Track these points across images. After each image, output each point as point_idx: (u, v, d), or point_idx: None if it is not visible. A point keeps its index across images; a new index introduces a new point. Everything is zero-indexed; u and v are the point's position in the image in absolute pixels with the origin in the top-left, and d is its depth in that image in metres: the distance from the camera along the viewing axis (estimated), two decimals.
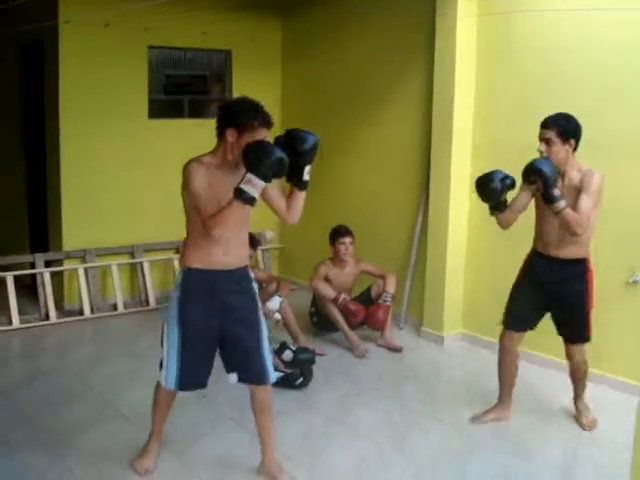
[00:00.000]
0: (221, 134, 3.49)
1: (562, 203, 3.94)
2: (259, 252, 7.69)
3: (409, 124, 6.53)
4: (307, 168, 3.55)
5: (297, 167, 3.52)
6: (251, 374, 3.74)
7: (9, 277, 6.59)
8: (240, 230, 3.57)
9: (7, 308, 6.49)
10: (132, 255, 7.28)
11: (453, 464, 4.07)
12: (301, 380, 5.07)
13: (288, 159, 3.35)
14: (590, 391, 4.63)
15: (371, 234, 6.78)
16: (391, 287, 6.03)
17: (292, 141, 3.49)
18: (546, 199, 3.98)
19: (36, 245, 7.41)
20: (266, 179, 3.30)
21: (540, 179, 3.94)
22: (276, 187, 3.64)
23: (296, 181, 3.59)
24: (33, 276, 6.91)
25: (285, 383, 5.05)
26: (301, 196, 3.64)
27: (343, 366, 5.65)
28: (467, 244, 6.11)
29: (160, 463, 3.96)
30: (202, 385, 3.77)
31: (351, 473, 3.93)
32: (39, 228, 7.46)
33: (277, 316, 5.69)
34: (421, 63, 6.35)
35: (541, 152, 4.08)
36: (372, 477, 3.92)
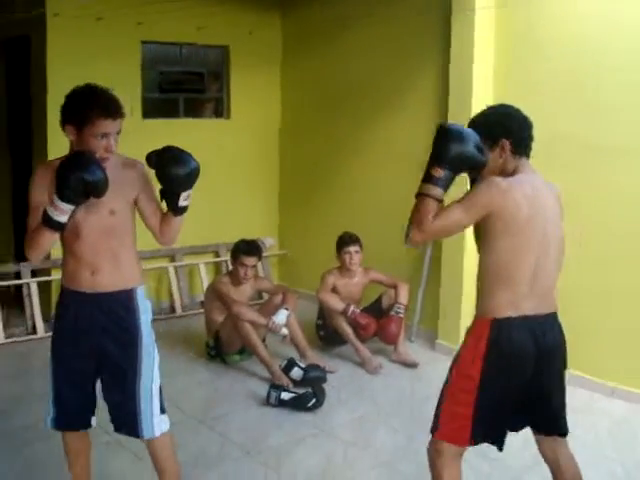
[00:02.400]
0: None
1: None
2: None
3: (421, 124, 6.13)
4: (185, 194, 2.97)
5: (170, 193, 2.96)
6: (121, 424, 3.13)
7: None
8: (108, 241, 2.99)
9: None
10: None
11: None
12: (314, 401, 4.67)
13: (102, 177, 2.73)
14: None
15: (381, 240, 6.39)
16: (404, 297, 5.64)
17: (165, 163, 2.91)
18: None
19: (22, 254, 6.98)
20: (71, 202, 2.73)
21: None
22: (150, 202, 3.08)
23: (170, 206, 3.01)
24: (19, 287, 6.48)
25: (297, 404, 4.67)
26: (177, 221, 3.06)
27: (356, 384, 5.26)
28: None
29: None
30: (82, 426, 3.22)
31: None
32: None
33: (284, 331, 5.27)
34: (435, 58, 5.99)
35: None
36: None
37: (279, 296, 5.56)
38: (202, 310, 5.93)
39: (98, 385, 3.16)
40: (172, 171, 2.88)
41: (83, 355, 3.05)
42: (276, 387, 4.83)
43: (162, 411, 3.12)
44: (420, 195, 2.73)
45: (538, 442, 2.98)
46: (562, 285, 2.94)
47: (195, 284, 7.28)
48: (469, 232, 5.54)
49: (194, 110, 7.39)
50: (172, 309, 7.00)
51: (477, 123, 2.84)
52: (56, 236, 2.88)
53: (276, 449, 4.14)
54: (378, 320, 5.61)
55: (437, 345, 5.92)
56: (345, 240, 5.78)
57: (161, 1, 6.22)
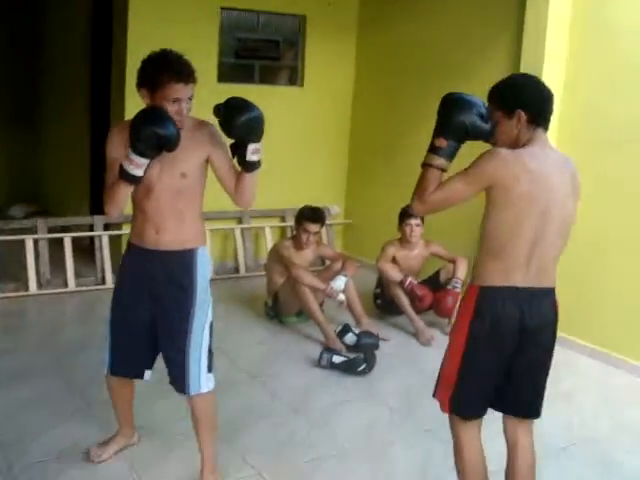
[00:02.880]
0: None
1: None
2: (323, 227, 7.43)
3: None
4: (252, 147, 3.02)
5: (238, 144, 3.03)
6: (172, 377, 3.27)
7: (66, 238, 6.45)
8: (176, 203, 3.10)
9: (64, 270, 6.37)
10: None
11: None
12: (364, 366, 4.79)
13: (174, 132, 2.87)
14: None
15: (443, 214, 6.41)
16: (462, 272, 5.69)
17: (228, 111, 2.99)
18: None
19: (97, 207, 7.25)
20: (144, 155, 2.88)
21: None
22: (222, 162, 3.16)
23: (240, 161, 3.08)
24: (92, 239, 6.77)
25: (347, 368, 4.80)
26: (250, 178, 3.12)
27: (408, 353, 5.37)
28: None
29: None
30: (134, 375, 3.40)
31: (416, 474, 3.65)
32: (101, 190, 7.29)
33: (341, 297, 5.40)
34: (508, 35, 5.97)
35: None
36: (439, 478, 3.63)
37: (339, 263, 5.68)
38: (265, 273, 6.11)
39: None
40: (235, 118, 2.95)
41: (141, 308, 3.21)
42: (329, 350, 4.97)
43: (209, 370, 3.25)
44: (424, 165, 2.77)
45: (503, 419, 2.96)
46: None
47: (260, 247, 7.46)
48: None
49: (269, 77, 7.51)
50: (236, 269, 7.20)
51: (497, 91, 2.82)
52: (131, 190, 3.02)
53: (322, 409, 4.29)
54: (435, 293, 5.70)
55: None
56: (407, 212, 5.82)
57: None
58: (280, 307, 5.72)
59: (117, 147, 3.07)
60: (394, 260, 5.89)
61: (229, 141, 3.08)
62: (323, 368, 4.86)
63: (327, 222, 7.04)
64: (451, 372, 2.79)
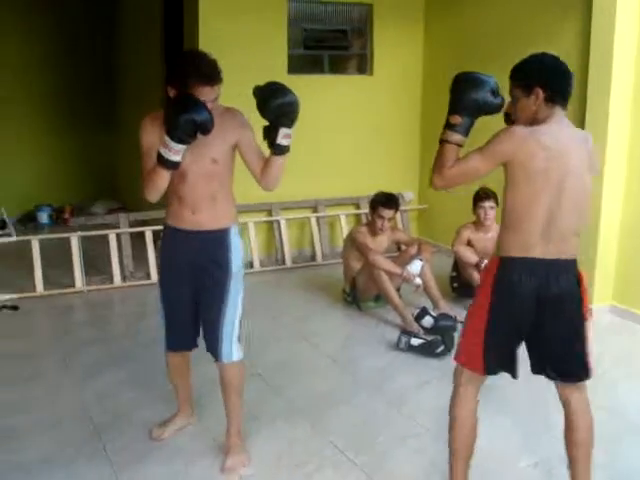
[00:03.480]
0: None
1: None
2: (398, 213, 7.48)
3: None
4: (282, 131, 3.14)
5: (271, 127, 3.16)
6: (208, 345, 3.48)
7: (147, 232, 6.67)
8: (209, 186, 3.29)
9: (146, 263, 6.60)
10: (269, 213, 7.23)
11: (603, 447, 3.77)
12: (442, 348, 4.85)
13: (208, 117, 3.00)
14: None
15: None
16: None
17: (265, 93, 3.14)
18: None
19: None
20: (182, 142, 3.02)
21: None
22: (250, 147, 3.31)
23: (270, 144, 3.20)
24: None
25: (425, 350, 4.87)
26: (277, 162, 3.24)
27: None
28: (623, 207, 5.67)
29: (293, 430, 3.86)
30: (187, 347, 3.62)
31: (493, 451, 3.69)
32: None
33: (418, 280, 5.46)
34: (576, 17, 5.92)
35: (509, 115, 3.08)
36: (513, 459, 3.66)
37: (414, 247, 5.73)
38: (341, 260, 6.21)
39: None
40: (270, 101, 3.09)
41: (183, 283, 3.42)
42: (407, 333, 5.04)
43: (239, 340, 3.47)
44: (441, 142, 2.90)
45: (555, 385, 3.04)
46: None
47: (335, 234, 7.56)
48: (606, 193, 5.56)
49: (338, 66, 7.60)
50: (313, 257, 7.33)
51: (516, 69, 2.92)
52: (169, 175, 3.17)
53: (400, 390, 4.37)
54: None
55: None
56: (480, 196, 5.86)
57: None
58: (358, 293, 5.81)
59: (151, 135, 3.24)
60: (469, 243, 5.92)
61: (261, 126, 3.21)
62: (401, 351, 4.93)
63: (401, 208, 7.10)
64: (478, 335, 2.88)
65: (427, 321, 5.24)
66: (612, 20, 5.41)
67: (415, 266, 5.46)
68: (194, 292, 3.43)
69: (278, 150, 3.21)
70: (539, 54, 2.98)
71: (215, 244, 3.38)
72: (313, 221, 7.38)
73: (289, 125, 3.16)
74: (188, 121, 2.98)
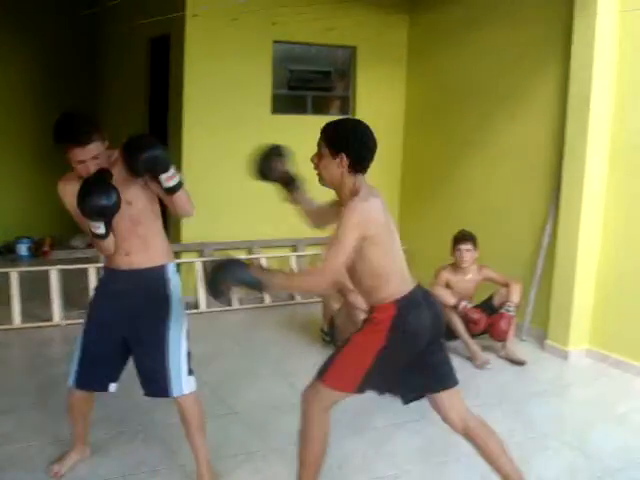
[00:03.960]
0: None
1: None
2: None
3: (539, 125, 6.24)
4: (162, 177, 3.20)
5: (152, 177, 3.27)
6: (149, 388, 3.50)
7: None
8: (135, 228, 3.37)
9: None
10: (249, 251, 7.25)
11: None
12: None
13: (112, 201, 3.09)
14: None
15: (496, 239, 6.52)
16: (516, 296, 5.73)
17: (131, 150, 3.21)
18: None
19: None
20: (98, 221, 3.16)
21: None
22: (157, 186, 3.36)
23: (161, 190, 3.30)
24: None
25: None
26: (178, 198, 3.30)
27: (463, 377, 5.21)
28: (600, 253, 5.75)
29: (270, 468, 3.85)
30: (102, 388, 3.57)
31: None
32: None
33: None
34: (555, 60, 6.06)
35: (313, 162, 3.15)
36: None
37: None
38: (320, 299, 6.22)
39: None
40: (135, 162, 3.17)
41: (116, 324, 3.43)
42: None
43: (190, 373, 3.48)
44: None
45: (437, 405, 3.41)
46: None
47: None
48: (583, 241, 5.64)
49: (321, 107, 7.69)
50: (291, 297, 7.33)
51: (328, 129, 3.09)
52: (110, 239, 3.28)
53: (381, 430, 4.39)
54: (489, 317, 5.75)
55: (547, 345, 5.99)
56: (457, 237, 5.92)
57: (293, 4, 6.55)
58: (336, 332, 5.82)
59: (70, 197, 3.28)
60: (448, 285, 5.95)
61: None
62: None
63: None
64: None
65: None
66: (589, 73, 5.53)
67: None
68: (128, 333, 3.44)
69: (170, 192, 3.27)
70: (351, 121, 3.28)
71: (152, 282, 3.45)
72: (293, 260, 7.41)
73: (166, 170, 3.20)
74: (93, 207, 3.09)
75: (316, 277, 3.05)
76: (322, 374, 3.24)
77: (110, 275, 3.51)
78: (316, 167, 3.11)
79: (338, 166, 3.00)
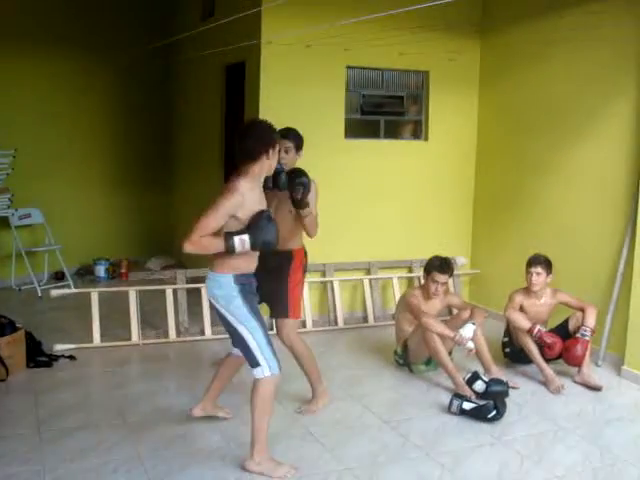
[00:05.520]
0: None
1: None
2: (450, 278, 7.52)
3: (615, 147, 6.17)
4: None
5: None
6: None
7: (204, 289, 6.77)
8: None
9: (201, 319, 6.72)
10: (323, 274, 7.31)
11: None
12: (494, 413, 4.84)
13: (274, 240, 3.90)
14: None
15: (571, 263, 6.46)
16: (591, 321, 5.66)
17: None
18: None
19: None
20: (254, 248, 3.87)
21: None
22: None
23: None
24: None
25: (478, 415, 4.86)
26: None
27: (537, 401, 5.36)
28: None
29: None
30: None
31: None
32: None
33: (470, 344, 5.46)
34: (631, 80, 6.00)
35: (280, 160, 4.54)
36: None
37: (467, 311, 5.74)
38: (393, 322, 6.24)
39: None
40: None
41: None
42: (459, 396, 5.04)
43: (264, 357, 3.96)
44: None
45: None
46: None
47: (387, 297, 7.61)
48: None
49: (394, 132, 7.72)
50: (365, 319, 7.37)
51: (294, 132, 5.05)
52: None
53: (454, 453, 4.37)
54: (564, 341, 5.68)
55: (623, 371, 5.88)
56: (529, 261, 5.88)
57: (366, 30, 6.64)
58: (409, 355, 5.83)
59: (234, 207, 3.82)
60: (522, 308, 5.91)
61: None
62: (453, 414, 4.94)
63: (454, 273, 7.13)
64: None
65: (479, 385, 5.23)
66: None
67: (468, 329, 5.47)
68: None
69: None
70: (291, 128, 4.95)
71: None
72: (366, 283, 7.44)
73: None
74: (265, 242, 3.83)
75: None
76: (286, 313, 4.83)
77: (249, 277, 4.01)
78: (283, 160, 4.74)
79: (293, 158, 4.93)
